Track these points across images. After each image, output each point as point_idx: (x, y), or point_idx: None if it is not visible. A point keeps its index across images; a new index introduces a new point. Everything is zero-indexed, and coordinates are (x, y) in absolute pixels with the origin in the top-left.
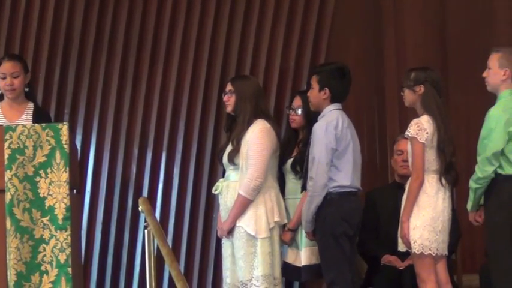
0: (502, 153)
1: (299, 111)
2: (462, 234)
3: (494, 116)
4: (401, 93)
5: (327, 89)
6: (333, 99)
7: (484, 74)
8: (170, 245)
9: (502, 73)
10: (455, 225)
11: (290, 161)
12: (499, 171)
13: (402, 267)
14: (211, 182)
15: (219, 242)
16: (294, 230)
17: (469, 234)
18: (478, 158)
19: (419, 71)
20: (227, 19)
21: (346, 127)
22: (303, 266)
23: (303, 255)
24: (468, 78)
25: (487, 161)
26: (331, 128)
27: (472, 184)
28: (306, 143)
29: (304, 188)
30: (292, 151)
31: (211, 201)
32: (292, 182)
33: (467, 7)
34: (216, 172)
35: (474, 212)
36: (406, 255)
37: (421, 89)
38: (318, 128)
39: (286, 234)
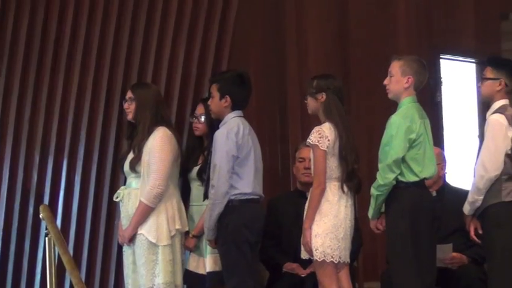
0: (403, 160)
1: (202, 119)
2: (364, 242)
3: (396, 123)
4: (305, 101)
5: (227, 96)
6: (234, 107)
7: (385, 82)
8: (71, 253)
9: (405, 80)
10: (357, 233)
11: (196, 168)
12: (400, 178)
13: (304, 274)
14: (113, 189)
15: (120, 249)
16: (198, 237)
17: (371, 242)
18: (380, 165)
19: (321, 78)
20: (129, 25)
21: (247, 134)
22: (208, 272)
23: (208, 262)
24: (370, 85)
25: (388, 168)
26: (232, 135)
27: (374, 191)
28: (211, 150)
29: (206, 195)
30: (197, 159)
31: (113, 208)
32: (198, 189)
33: (370, 16)
34: (117, 179)
35: (375, 220)
36: (308, 262)
37: (323, 96)
38: (219, 135)
39: (190, 241)
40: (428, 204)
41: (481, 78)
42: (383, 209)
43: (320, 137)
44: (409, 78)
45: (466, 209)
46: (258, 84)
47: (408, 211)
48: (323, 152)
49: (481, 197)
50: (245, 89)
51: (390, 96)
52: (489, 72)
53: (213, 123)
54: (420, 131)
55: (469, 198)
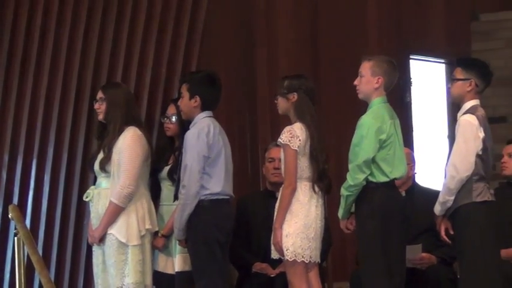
0: (373, 161)
1: (173, 119)
2: (333, 242)
3: (366, 123)
4: (275, 101)
5: (197, 97)
6: (204, 107)
7: (356, 82)
8: (40, 253)
9: (375, 81)
10: (326, 233)
11: (167, 168)
12: (370, 178)
13: (273, 274)
14: (82, 189)
15: (89, 249)
16: (167, 237)
17: (340, 242)
18: (350, 166)
19: (293, 79)
20: (98, 26)
21: (218, 134)
22: (176, 272)
23: (177, 262)
24: (340, 86)
25: (358, 168)
26: (203, 135)
27: (344, 192)
28: (182, 150)
29: (176, 197)
30: (168, 159)
31: (82, 208)
32: (168, 189)
33: (340, 16)
34: (87, 179)
35: (345, 220)
36: (278, 262)
37: (294, 96)
38: (190, 136)
39: (158, 241)
40: (398, 204)
41: (451, 79)
42: (353, 209)
43: (291, 137)
44: (379, 78)
45: (437, 209)
46: (228, 84)
47: (378, 211)
48: (294, 151)
49: (452, 198)
50: (215, 89)
51: (360, 96)
52: (459, 73)
53: (185, 124)
54: (390, 131)
55: (440, 198)
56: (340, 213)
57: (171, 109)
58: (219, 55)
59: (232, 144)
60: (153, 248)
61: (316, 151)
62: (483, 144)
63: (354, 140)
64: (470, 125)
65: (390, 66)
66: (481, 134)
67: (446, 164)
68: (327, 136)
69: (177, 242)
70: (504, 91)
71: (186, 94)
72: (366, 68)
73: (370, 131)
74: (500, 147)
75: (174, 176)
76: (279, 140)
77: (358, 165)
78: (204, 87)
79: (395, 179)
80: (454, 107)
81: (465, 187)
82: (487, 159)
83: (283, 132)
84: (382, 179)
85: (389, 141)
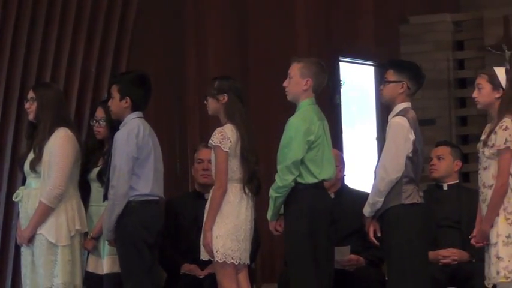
0: (302, 162)
1: (102, 123)
2: (262, 243)
3: (294, 125)
4: (205, 102)
5: (128, 97)
6: (134, 108)
7: (285, 84)
8: None
9: (304, 83)
10: (255, 234)
11: (96, 170)
12: (299, 180)
13: (202, 275)
14: (11, 189)
15: (18, 249)
16: (97, 238)
17: (269, 243)
18: (278, 167)
19: (223, 80)
20: (28, 25)
21: (147, 135)
22: (105, 274)
23: (105, 264)
24: (269, 87)
25: (287, 170)
26: (133, 136)
27: (272, 193)
28: (111, 152)
29: (106, 197)
30: (97, 160)
31: (10, 208)
32: (97, 190)
33: (269, 18)
34: (15, 180)
35: (274, 221)
36: (207, 263)
37: (224, 98)
38: (120, 137)
39: (88, 243)
40: (327, 205)
41: (383, 81)
42: (282, 211)
43: (222, 138)
44: (307, 80)
45: (366, 210)
46: (157, 85)
47: (306, 213)
48: (225, 153)
49: (382, 199)
50: (145, 90)
51: (289, 98)
52: (391, 75)
53: (114, 126)
54: (319, 132)
55: (370, 200)
56: (269, 214)
57: (99, 112)
58: (148, 55)
59: (161, 144)
60: (83, 249)
61: (247, 152)
62: (414, 147)
63: (283, 141)
64: (401, 127)
65: (319, 68)
66: (412, 136)
67: (376, 165)
68: (256, 137)
69: (106, 243)
70: (433, 94)
71: (116, 95)
72: (295, 69)
73: (299, 132)
74: (429, 150)
75: (104, 178)
76: (210, 141)
77: (287, 166)
78: (134, 88)
79: (323, 180)
80: (383, 109)
81: (395, 189)
82: (418, 161)
83: (214, 133)
84: (311, 180)
85: (317, 142)
